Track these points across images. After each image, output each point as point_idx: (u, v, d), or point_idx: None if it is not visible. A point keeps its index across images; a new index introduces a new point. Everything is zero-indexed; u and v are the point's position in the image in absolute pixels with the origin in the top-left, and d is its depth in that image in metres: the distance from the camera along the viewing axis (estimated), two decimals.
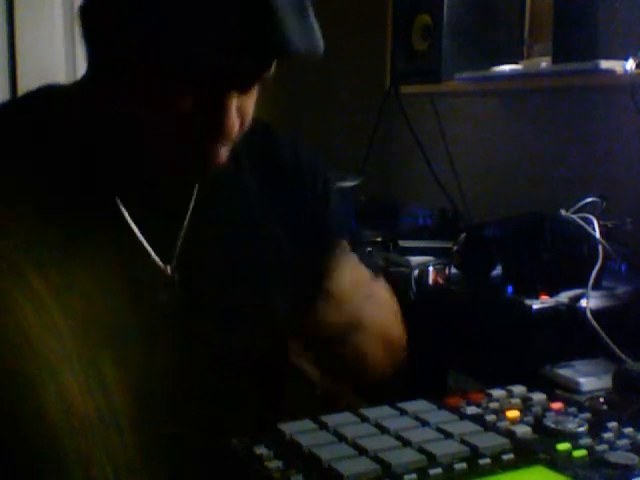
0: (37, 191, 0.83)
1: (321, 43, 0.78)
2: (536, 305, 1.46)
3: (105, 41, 0.81)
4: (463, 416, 0.81)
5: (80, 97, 0.89)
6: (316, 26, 0.79)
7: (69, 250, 0.81)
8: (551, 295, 1.48)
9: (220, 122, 0.80)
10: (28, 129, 0.88)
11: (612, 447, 0.74)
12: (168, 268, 0.90)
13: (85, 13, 0.81)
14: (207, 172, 0.86)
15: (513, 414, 0.81)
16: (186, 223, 0.92)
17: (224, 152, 0.84)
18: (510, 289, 1.55)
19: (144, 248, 0.89)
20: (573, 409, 0.83)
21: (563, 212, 1.59)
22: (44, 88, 0.94)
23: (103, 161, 0.88)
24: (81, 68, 0.97)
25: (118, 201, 0.89)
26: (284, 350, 0.99)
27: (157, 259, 0.90)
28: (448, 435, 0.75)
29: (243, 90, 0.81)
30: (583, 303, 1.43)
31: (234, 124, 0.81)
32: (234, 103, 0.80)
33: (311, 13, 0.78)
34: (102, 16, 0.79)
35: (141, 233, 0.89)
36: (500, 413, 0.81)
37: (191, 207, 0.93)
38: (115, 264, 0.85)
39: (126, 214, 0.89)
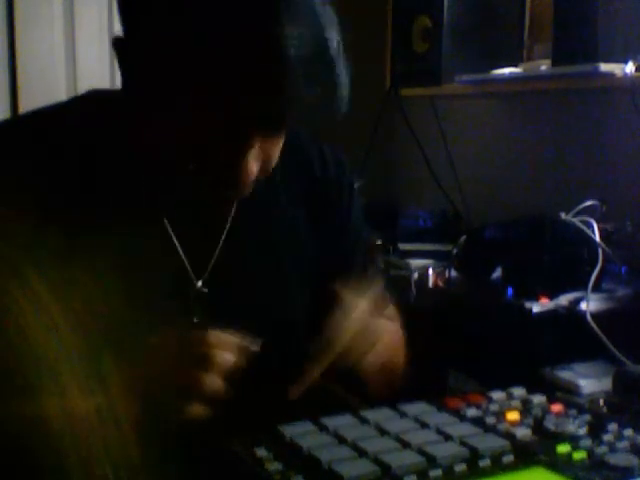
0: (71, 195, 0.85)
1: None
2: (536, 308, 1.46)
3: (140, 66, 0.80)
4: (463, 418, 0.81)
5: (120, 109, 0.88)
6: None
7: (76, 250, 0.81)
8: (551, 298, 1.48)
9: (235, 173, 0.80)
10: (66, 135, 0.88)
11: (612, 449, 0.74)
12: (199, 282, 0.91)
13: (122, 44, 0.80)
14: (238, 194, 0.86)
15: (513, 416, 0.81)
16: (222, 240, 0.93)
17: (245, 189, 0.83)
18: (510, 292, 1.55)
19: (180, 260, 0.90)
20: (573, 411, 0.83)
21: (563, 215, 1.59)
22: (93, 93, 0.94)
23: (141, 171, 0.87)
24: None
25: (165, 220, 0.90)
26: (298, 359, 0.99)
27: (190, 271, 0.91)
28: (448, 437, 0.75)
29: (266, 133, 0.81)
30: (583, 306, 1.43)
31: (249, 175, 0.80)
32: (253, 153, 0.80)
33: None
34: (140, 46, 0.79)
35: (179, 244, 0.90)
36: (500, 415, 0.81)
37: (228, 225, 0.94)
38: (148, 268, 0.86)
39: (169, 228, 0.90)
